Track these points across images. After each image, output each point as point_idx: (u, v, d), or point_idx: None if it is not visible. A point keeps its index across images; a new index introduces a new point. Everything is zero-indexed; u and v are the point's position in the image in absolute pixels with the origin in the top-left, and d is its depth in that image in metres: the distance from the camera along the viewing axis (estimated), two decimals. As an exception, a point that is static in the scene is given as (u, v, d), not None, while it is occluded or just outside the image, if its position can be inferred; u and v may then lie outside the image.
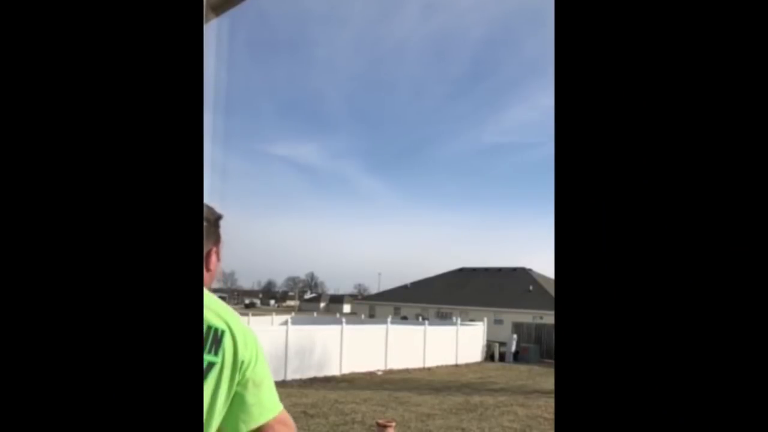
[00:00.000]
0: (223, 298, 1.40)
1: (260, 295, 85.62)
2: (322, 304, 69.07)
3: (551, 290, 31.15)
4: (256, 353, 1.12)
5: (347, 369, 15.87)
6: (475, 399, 12.05)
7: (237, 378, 1.06)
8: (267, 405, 1.13)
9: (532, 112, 65.10)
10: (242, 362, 1.07)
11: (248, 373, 1.08)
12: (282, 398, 1.22)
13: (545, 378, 16.41)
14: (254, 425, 1.09)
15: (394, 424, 8.09)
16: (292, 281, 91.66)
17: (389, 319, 18.99)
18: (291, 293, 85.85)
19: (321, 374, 15.00)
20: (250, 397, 1.08)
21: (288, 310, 56.98)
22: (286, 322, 14.97)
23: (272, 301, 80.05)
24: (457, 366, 19.08)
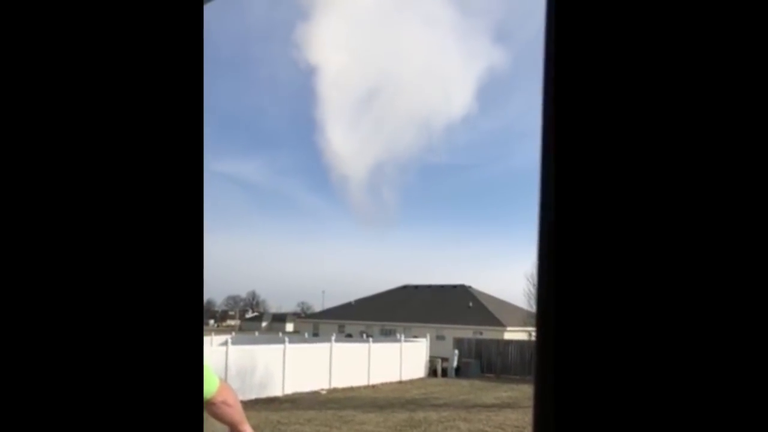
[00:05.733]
0: None
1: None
2: (264, 323, 67.52)
3: (490, 306, 31.81)
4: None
5: (290, 389, 15.58)
6: (419, 415, 12.10)
7: None
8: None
9: (472, 134, 67.09)
10: None
11: None
12: (223, 421, 1.25)
13: (486, 392, 16.68)
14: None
15: (337, 443, 8.00)
16: (233, 300, 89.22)
17: (333, 337, 18.82)
18: (231, 312, 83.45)
19: (263, 395, 14.65)
20: None
21: (228, 329, 55.31)
22: (225, 342, 14.56)
23: (211, 321, 77.40)
24: (401, 382, 19.09)
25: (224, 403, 1.35)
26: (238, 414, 1.39)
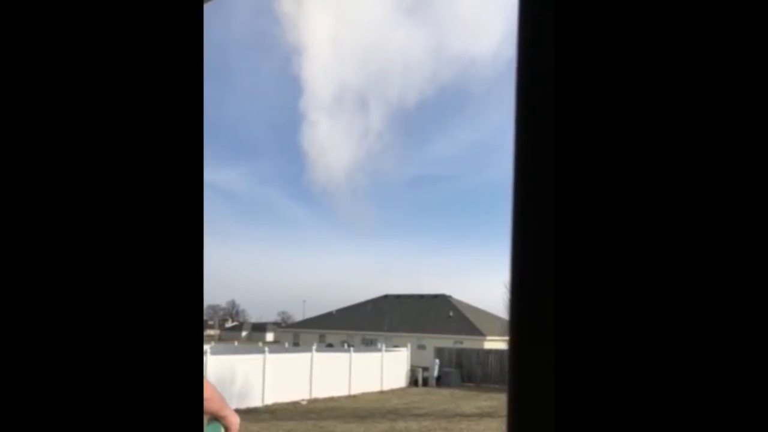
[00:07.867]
0: None
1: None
2: (244, 333, 66.85)
3: (470, 316, 31.95)
4: None
5: (270, 399, 15.44)
6: (400, 425, 12.09)
7: None
8: None
9: (453, 146, 67.48)
10: None
11: None
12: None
13: (466, 401, 16.72)
14: None
15: (318, 453, 7.96)
16: (212, 309, 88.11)
17: (314, 347, 18.72)
18: (211, 322, 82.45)
19: (242, 406, 14.48)
20: None
21: (208, 339, 54.59)
22: (204, 352, 14.40)
23: (190, 331, 76.01)
24: (382, 392, 19.03)
25: None
26: (216, 403, 1.43)
